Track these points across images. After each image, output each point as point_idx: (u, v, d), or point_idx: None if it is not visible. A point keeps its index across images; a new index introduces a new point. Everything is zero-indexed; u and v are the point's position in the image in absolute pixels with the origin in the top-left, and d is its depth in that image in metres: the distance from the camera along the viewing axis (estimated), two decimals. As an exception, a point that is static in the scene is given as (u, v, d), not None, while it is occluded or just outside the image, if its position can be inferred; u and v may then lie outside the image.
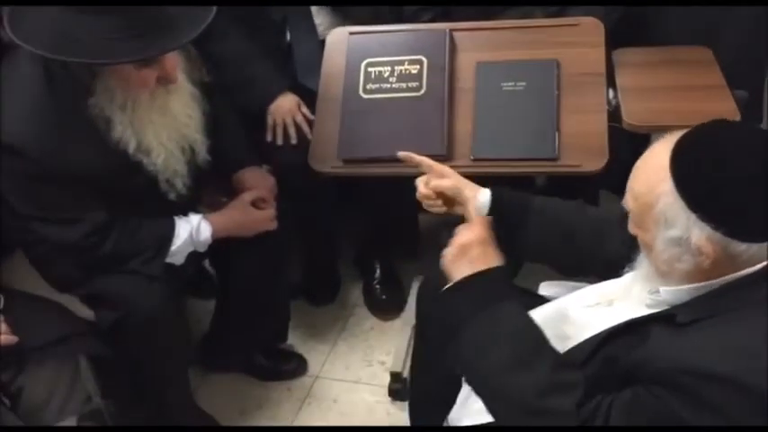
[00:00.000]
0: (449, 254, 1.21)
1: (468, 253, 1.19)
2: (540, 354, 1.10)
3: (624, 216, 1.13)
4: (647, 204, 1.03)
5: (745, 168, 0.97)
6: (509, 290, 1.18)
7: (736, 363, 0.93)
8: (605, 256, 1.30)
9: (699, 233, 0.98)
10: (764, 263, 0.99)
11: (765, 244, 0.98)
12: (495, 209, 1.38)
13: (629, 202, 1.08)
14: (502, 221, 1.33)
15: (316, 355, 2.12)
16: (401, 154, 1.54)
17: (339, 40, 1.86)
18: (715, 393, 0.92)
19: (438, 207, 1.46)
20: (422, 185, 1.46)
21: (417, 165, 1.50)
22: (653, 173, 1.02)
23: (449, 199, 1.44)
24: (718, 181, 0.97)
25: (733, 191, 0.97)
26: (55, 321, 1.53)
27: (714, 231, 0.97)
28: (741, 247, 0.98)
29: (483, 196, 1.39)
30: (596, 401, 1.03)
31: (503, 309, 1.14)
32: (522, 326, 1.13)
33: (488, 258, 1.19)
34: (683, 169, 0.99)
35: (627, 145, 1.75)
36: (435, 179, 1.44)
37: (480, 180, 1.46)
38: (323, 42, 1.93)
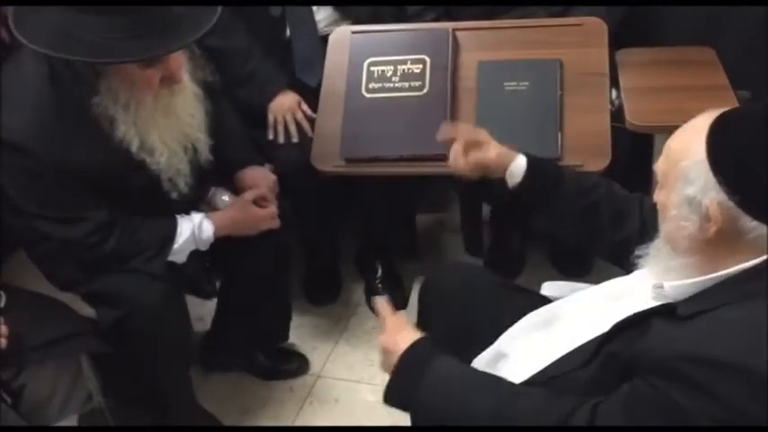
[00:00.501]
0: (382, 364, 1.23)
1: (389, 359, 1.20)
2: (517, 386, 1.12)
3: (643, 197, 1.13)
4: (676, 160, 1.04)
5: None
6: (433, 351, 1.18)
7: (737, 348, 0.93)
8: (619, 236, 1.31)
9: (713, 196, 0.99)
10: (765, 256, 0.99)
11: None
12: (530, 173, 1.39)
13: (661, 161, 1.09)
14: (534, 186, 1.36)
15: (317, 355, 2.11)
16: (441, 137, 1.48)
17: (342, 39, 1.86)
18: (715, 379, 0.92)
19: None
20: (461, 160, 1.44)
21: (454, 139, 1.46)
22: (691, 133, 1.04)
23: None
24: (747, 153, 0.98)
25: (758, 165, 0.97)
26: (57, 320, 1.53)
27: (728, 199, 0.98)
28: (750, 224, 0.98)
29: (520, 160, 1.40)
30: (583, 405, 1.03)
31: (440, 367, 1.15)
32: (461, 373, 1.15)
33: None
34: (718, 134, 1.00)
35: (629, 145, 1.75)
36: (476, 151, 1.42)
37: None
38: (323, 39, 1.92)
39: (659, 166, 1.09)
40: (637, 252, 1.19)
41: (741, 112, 1.05)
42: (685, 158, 1.02)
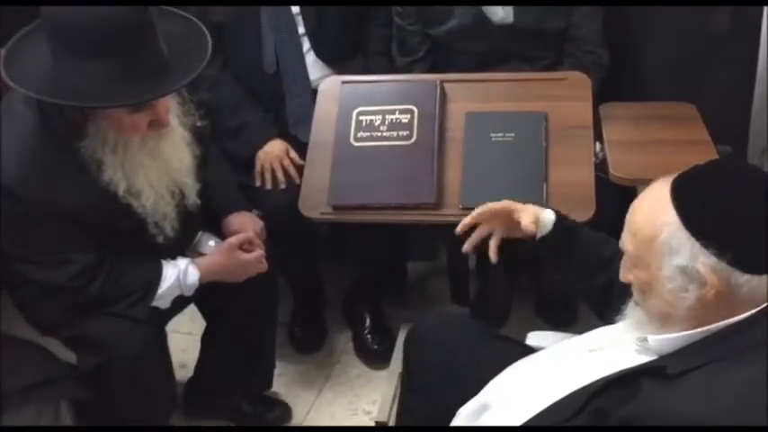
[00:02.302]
0: None
1: None
2: None
3: None
4: (649, 237, 1.03)
5: (745, 198, 1.00)
6: None
7: (732, 412, 0.92)
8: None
9: (704, 260, 0.99)
10: (754, 310, 1.00)
11: (765, 279, 0.99)
12: (557, 225, 1.41)
13: (627, 241, 1.08)
14: (559, 238, 1.38)
15: (300, 403, 2.09)
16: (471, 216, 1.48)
17: (331, 88, 1.89)
18: None
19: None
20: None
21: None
22: (654, 206, 1.04)
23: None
24: (721, 208, 0.99)
25: (735, 219, 0.98)
26: (37, 364, 1.52)
27: (718, 260, 0.98)
28: (742, 279, 0.99)
29: (548, 213, 1.42)
30: None
31: None
32: None
33: None
34: (686, 198, 1.01)
35: (613, 197, 1.78)
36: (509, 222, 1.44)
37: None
38: (315, 92, 1.95)
39: (626, 245, 1.09)
40: (618, 307, 1.20)
41: (694, 171, 1.04)
42: (659, 231, 1.02)
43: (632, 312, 1.14)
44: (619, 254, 1.35)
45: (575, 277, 1.44)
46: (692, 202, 1.01)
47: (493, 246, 1.46)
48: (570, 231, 1.42)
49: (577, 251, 1.41)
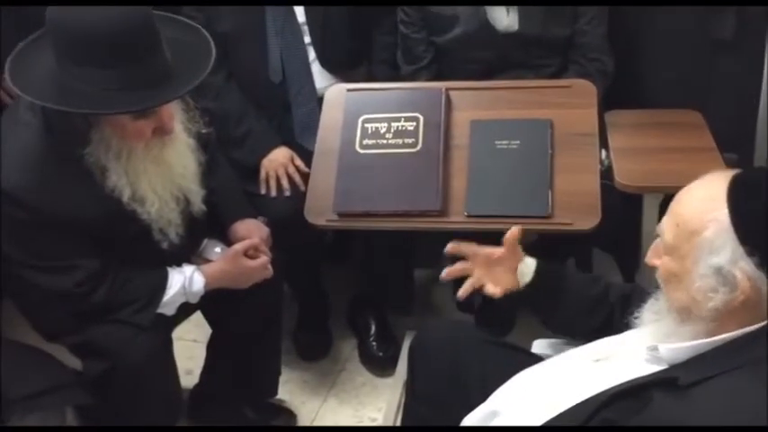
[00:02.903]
0: None
1: None
2: None
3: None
4: (693, 230, 1.02)
5: None
6: None
7: (745, 424, 0.92)
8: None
9: (743, 266, 0.98)
10: (765, 321, 0.99)
11: None
12: (540, 270, 1.42)
13: (667, 227, 1.06)
14: (539, 290, 1.39)
15: (305, 411, 2.09)
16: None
17: (337, 96, 1.90)
18: None
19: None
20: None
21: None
22: (705, 200, 1.02)
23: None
24: None
25: None
26: (43, 371, 1.52)
27: (757, 269, 0.97)
28: None
29: (529, 262, 1.43)
30: None
31: None
32: None
33: None
34: (741, 201, 0.99)
35: (619, 204, 1.77)
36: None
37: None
38: (321, 100, 1.96)
39: (665, 233, 1.07)
40: (634, 313, 1.19)
41: (754, 174, 1.03)
42: (704, 227, 1.00)
43: (651, 306, 1.13)
44: (608, 291, 1.38)
45: (569, 321, 1.44)
46: (747, 205, 0.99)
47: (464, 288, 1.48)
48: (554, 276, 1.42)
49: (564, 296, 1.41)
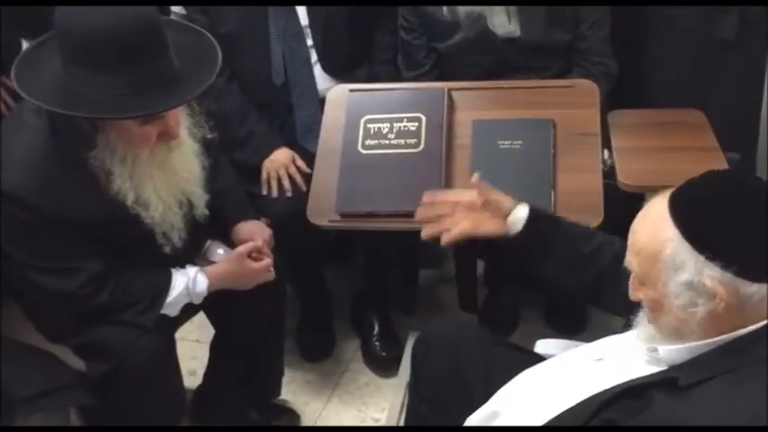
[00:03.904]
0: None
1: None
2: None
3: None
4: (653, 254, 1.03)
5: (744, 207, 0.99)
6: None
7: (746, 425, 0.92)
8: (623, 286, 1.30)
9: (710, 274, 0.98)
10: (765, 321, 0.99)
11: None
12: (531, 220, 1.39)
13: (631, 260, 1.08)
14: (536, 233, 1.36)
15: (309, 411, 2.09)
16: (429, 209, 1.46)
17: (339, 96, 1.90)
18: None
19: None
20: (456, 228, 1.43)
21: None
22: (654, 223, 1.03)
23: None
24: (721, 219, 0.99)
25: (736, 229, 0.98)
26: (46, 372, 1.52)
27: (724, 272, 0.98)
28: (751, 289, 0.98)
29: (522, 210, 1.40)
30: None
31: None
32: None
33: None
34: (684, 212, 1.00)
35: (622, 204, 1.77)
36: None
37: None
38: (323, 105, 1.96)
39: (631, 265, 1.08)
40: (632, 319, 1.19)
41: (690, 185, 1.04)
42: (662, 248, 1.01)
43: (643, 327, 1.13)
44: (605, 245, 1.36)
45: (556, 274, 1.42)
46: (691, 216, 1.00)
47: (449, 236, 1.43)
48: (545, 227, 1.40)
49: (555, 248, 1.38)
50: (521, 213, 1.41)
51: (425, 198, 1.49)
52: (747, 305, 0.99)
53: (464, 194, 1.46)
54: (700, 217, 1.00)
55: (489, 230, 1.42)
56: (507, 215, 1.42)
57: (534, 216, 1.41)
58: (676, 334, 1.06)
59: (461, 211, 1.44)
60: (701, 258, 0.99)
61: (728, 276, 0.98)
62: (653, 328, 1.10)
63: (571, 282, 1.41)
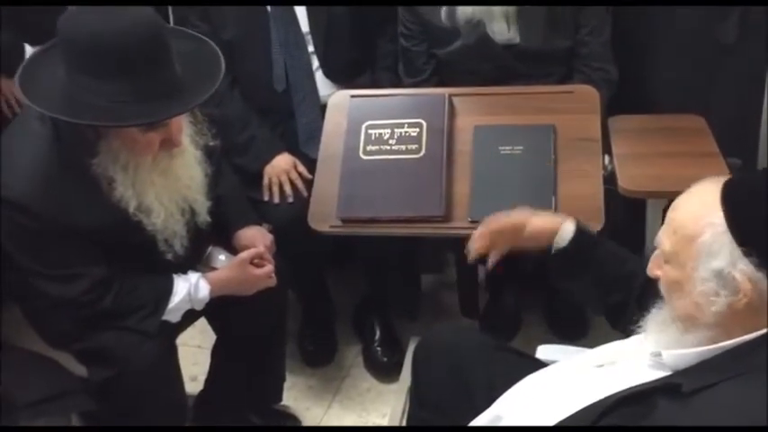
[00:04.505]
0: None
1: None
2: None
3: None
4: (690, 236, 1.02)
5: None
6: None
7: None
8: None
9: (742, 268, 0.98)
10: (766, 329, 0.99)
11: None
12: (577, 236, 1.39)
13: (665, 236, 1.07)
14: (574, 255, 1.37)
15: (310, 417, 2.09)
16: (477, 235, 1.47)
17: (340, 102, 1.90)
18: None
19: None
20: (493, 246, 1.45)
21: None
22: (700, 205, 1.02)
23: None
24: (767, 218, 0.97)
25: None
26: (48, 378, 1.52)
27: (756, 270, 0.97)
28: None
29: (568, 226, 1.40)
30: None
31: None
32: None
33: None
34: (735, 202, 1.00)
35: (622, 209, 1.78)
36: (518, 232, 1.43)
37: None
38: (325, 111, 1.97)
39: (663, 241, 1.07)
40: (635, 322, 1.18)
41: (747, 177, 1.04)
42: (701, 231, 1.00)
43: (655, 316, 1.13)
44: (635, 273, 1.34)
45: (587, 292, 1.43)
46: (741, 207, 0.99)
47: (492, 259, 1.46)
48: (589, 247, 1.40)
49: (593, 268, 1.39)
50: (567, 229, 1.40)
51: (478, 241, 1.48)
52: (764, 308, 0.98)
53: (510, 222, 1.46)
54: (748, 210, 0.99)
55: (534, 244, 1.42)
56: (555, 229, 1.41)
57: (579, 234, 1.40)
58: (689, 320, 1.04)
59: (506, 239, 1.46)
60: (738, 251, 0.98)
61: (760, 275, 0.97)
62: (666, 312, 1.09)
63: (596, 299, 1.41)
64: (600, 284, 1.39)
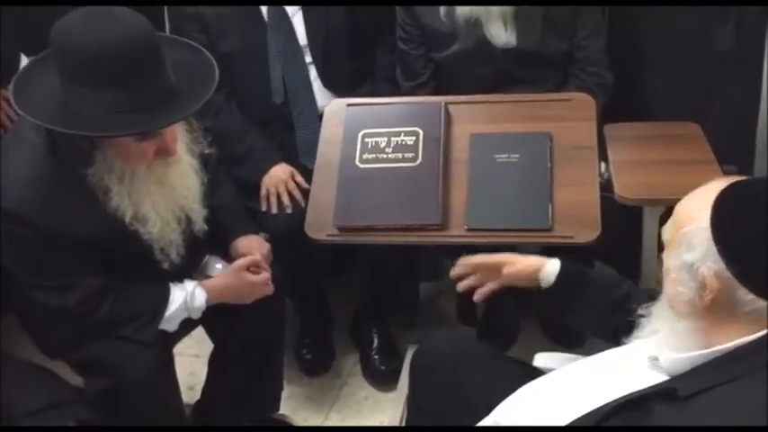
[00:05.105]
0: None
1: None
2: None
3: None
4: (680, 225, 1.06)
5: None
6: None
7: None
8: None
9: (711, 265, 1.00)
10: (762, 332, 1.00)
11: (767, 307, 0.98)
12: (563, 273, 1.43)
13: (668, 224, 1.11)
14: (567, 284, 1.40)
15: (308, 426, 2.08)
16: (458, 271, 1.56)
17: (337, 111, 1.91)
18: None
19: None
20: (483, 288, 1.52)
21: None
22: (699, 200, 1.06)
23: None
24: (750, 226, 0.99)
25: (759, 240, 0.98)
26: (45, 388, 1.52)
27: (725, 269, 0.99)
28: (747, 297, 0.99)
29: (552, 265, 1.44)
30: None
31: None
32: None
33: None
34: (725, 204, 1.02)
35: (619, 217, 1.78)
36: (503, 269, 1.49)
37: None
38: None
39: (666, 228, 1.11)
40: (639, 312, 1.20)
41: (750, 183, 1.06)
42: (689, 222, 1.04)
43: (654, 323, 1.16)
44: (630, 294, 1.39)
45: (584, 321, 1.47)
46: (729, 210, 1.02)
47: (480, 293, 1.53)
48: (577, 280, 1.43)
49: (586, 298, 1.42)
50: (552, 268, 1.44)
51: (456, 273, 1.56)
52: (738, 312, 1.00)
53: (492, 259, 1.52)
54: (734, 213, 1.01)
55: (520, 284, 1.47)
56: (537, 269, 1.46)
57: (565, 270, 1.44)
58: (673, 307, 1.08)
59: (488, 274, 1.52)
60: (713, 249, 1.00)
61: (728, 275, 0.99)
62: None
63: (595, 326, 1.45)
64: (596, 312, 1.42)
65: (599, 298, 1.42)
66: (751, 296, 0.99)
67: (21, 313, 1.67)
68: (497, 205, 1.68)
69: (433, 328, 2.33)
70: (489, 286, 1.52)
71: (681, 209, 1.09)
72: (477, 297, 1.53)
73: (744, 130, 2.13)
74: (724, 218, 1.01)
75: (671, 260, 1.07)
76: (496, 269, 1.50)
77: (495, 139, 1.78)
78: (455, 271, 1.55)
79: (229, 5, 2.02)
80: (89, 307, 1.55)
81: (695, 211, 1.04)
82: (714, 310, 1.02)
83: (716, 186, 1.05)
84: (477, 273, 1.53)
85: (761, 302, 0.99)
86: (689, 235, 1.03)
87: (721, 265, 0.99)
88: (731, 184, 1.05)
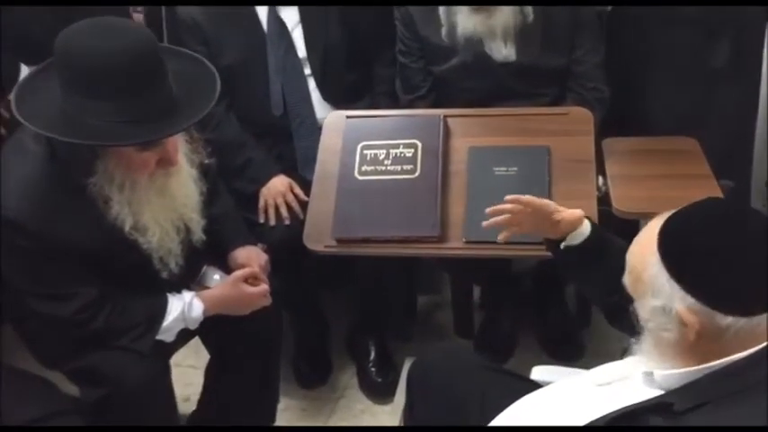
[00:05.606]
0: None
1: None
2: None
3: None
4: (638, 275, 1.05)
5: (725, 240, 0.99)
6: None
7: None
8: None
9: (681, 303, 0.99)
10: (760, 346, 0.99)
11: (755, 320, 0.98)
12: (594, 230, 1.40)
13: (626, 275, 1.10)
14: (583, 253, 1.38)
15: (307, 426, 2.07)
16: (509, 198, 1.47)
17: (336, 123, 1.92)
18: None
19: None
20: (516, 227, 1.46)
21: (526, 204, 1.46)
22: (644, 245, 1.05)
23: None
24: (701, 251, 0.99)
25: (714, 262, 0.98)
26: (41, 397, 1.51)
27: (696, 302, 0.98)
28: (727, 320, 0.98)
29: (585, 227, 1.41)
30: None
31: None
32: None
33: None
34: (668, 239, 1.02)
35: (616, 230, 1.78)
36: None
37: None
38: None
39: (626, 280, 1.10)
40: (631, 326, 1.20)
41: (681, 211, 1.05)
42: (644, 270, 1.03)
43: (640, 344, 1.14)
44: None
45: (589, 286, 1.45)
46: (674, 244, 1.01)
47: (505, 234, 1.46)
48: (598, 248, 1.40)
49: (598, 266, 1.39)
50: (585, 228, 1.41)
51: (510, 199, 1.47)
52: (725, 336, 0.99)
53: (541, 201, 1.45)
54: (680, 244, 1.01)
55: (551, 235, 1.43)
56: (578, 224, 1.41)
57: (594, 234, 1.41)
58: (657, 353, 1.07)
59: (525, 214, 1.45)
60: (677, 287, 1.00)
61: (701, 307, 0.98)
62: (647, 342, 1.10)
63: (598, 296, 1.43)
64: (602, 282, 1.39)
65: (613, 265, 1.39)
66: (730, 318, 0.98)
67: (17, 322, 1.67)
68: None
69: (429, 340, 2.32)
70: (518, 228, 1.45)
71: (631, 258, 1.08)
72: (501, 237, 1.47)
73: (740, 144, 2.14)
74: (673, 253, 1.01)
75: (643, 310, 1.06)
76: (543, 213, 1.43)
77: (494, 151, 1.79)
78: (503, 203, 1.46)
79: (229, 6, 2.03)
80: (86, 316, 1.54)
81: (645, 256, 1.03)
82: (702, 341, 1.00)
83: (655, 225, 1.05)
84: (517, 213, 1.46)
85: (742, 322, 0.98)
86: (648, 281, 1.02)
87: (690, 300, 0.99)
88: (666, 219, 1.04)
